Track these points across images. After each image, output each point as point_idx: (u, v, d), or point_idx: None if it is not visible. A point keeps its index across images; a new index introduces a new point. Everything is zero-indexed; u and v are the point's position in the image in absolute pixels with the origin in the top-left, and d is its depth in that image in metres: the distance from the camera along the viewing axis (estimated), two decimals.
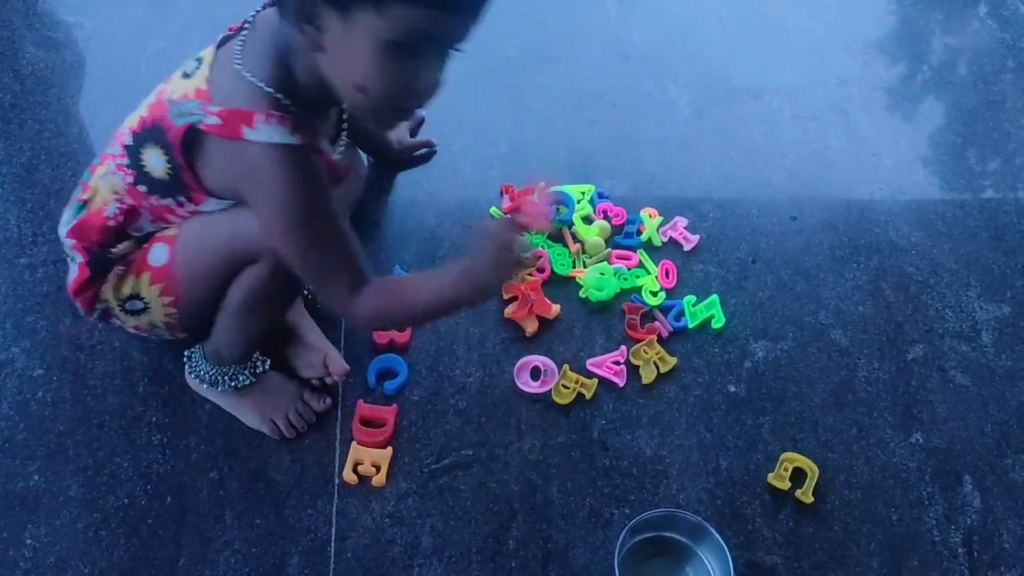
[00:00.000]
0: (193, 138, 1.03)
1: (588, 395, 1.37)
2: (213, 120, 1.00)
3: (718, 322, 1.46)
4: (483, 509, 1.26)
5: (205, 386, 1.28)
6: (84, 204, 1.17)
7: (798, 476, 1.31)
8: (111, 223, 1.16)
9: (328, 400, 1.33)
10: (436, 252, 1.52)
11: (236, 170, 1.03)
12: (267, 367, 1.30)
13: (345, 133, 1.20)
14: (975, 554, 1.28)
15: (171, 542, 1.21)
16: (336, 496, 1.26)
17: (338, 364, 1.34)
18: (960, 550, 1.27)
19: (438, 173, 1.64)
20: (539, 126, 1.73)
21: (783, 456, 1.32)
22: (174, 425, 1.30)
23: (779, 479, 1.30)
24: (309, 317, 1.39)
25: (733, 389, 1.40)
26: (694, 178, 1.67)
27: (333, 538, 1.22)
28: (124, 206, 1.15)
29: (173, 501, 1.24)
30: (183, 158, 1.05)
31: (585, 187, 1.62)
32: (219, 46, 1.06)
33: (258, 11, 1.05)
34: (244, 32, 1.04)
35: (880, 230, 1.62)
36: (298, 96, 1.01)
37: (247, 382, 1.27)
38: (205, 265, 1.15)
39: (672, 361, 1.41)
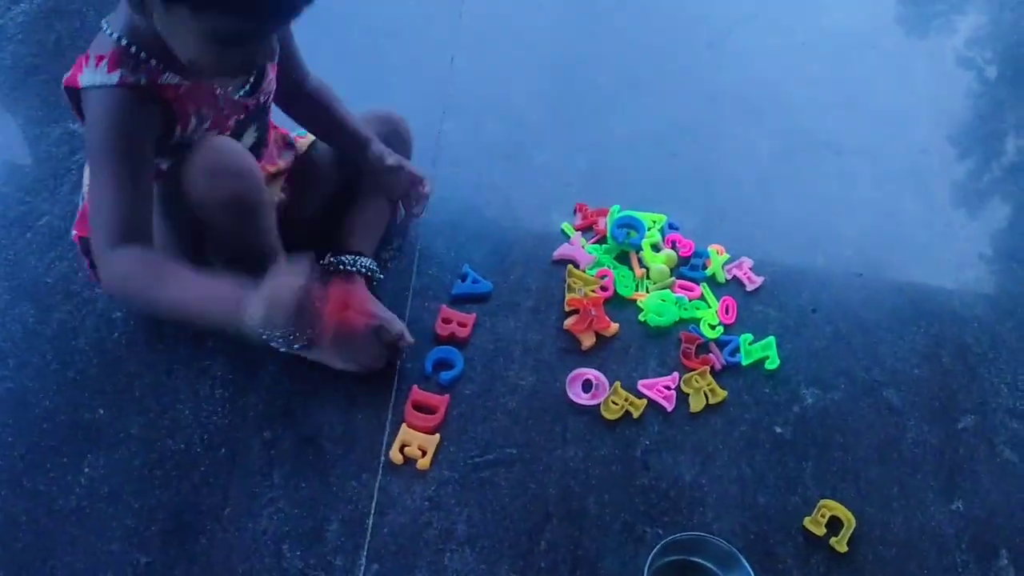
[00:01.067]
0: (75, 100, 1.10)
1: (636, 414, 1.39)
2: (68, 73, 1.08)
3: (772, 363, 1.48)
4: (520, 507, 1.29)
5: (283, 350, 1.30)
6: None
7: (834, 525, 1.31)
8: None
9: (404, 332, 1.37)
10: (506, 255, 1.57)
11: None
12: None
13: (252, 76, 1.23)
14: None
15: (220, 491, 1.25)
16: (380, 473, 1.29)
17: (404, 339, 1.37)
18: None
19: (517, 182, 1.69)
20: (620, 151, 1.78)
21: (822, 502, 1.32)
22: (237, 382, 1.36)
23: (815, 524, 1.30)
24: (374, 298, 1.42)
25: (779, 430, 1.42)
26: (765, 222, 1.70)
27: (372, 512, 1.26)
28: None
29: (226, 453, 1.28)
30: (81, 120, 1.11)
31: (657, 216, 1.65)
32: None
33: None
34: None
35: (945, 298, 1.63)
36: (149, 42, 1.06)
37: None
38: None
39: (722, 394, 1.43)
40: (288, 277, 1.00)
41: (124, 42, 1.07)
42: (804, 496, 1.34)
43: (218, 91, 1.18)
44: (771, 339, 1.51)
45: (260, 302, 0.99)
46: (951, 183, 1.83)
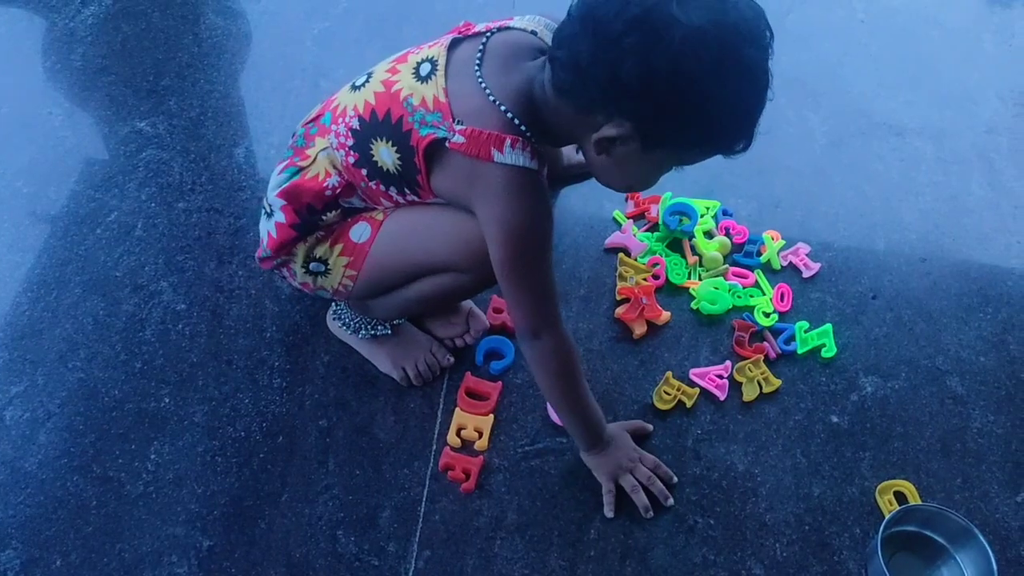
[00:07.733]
0: (435, 148, 1.09)
1: (688, 404, 1.38)
2: (459, 139, 1.05)
3: (829, 351, 1.45)
4: (569, 496, 1.30)
5: (347, 331, 1.37)
6: (299, 170, 1.22)
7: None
8: (327, 192, 1.20)
9: (451, 359, 1.40)
10: (557, 244, 1.55)
11: (474, 186, 1.08)
12: (403, 319, 1.37)
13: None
14: None
15: (277, 478, 1.29)
16: (432, 460, 1.32)
17: (480, 320, 1.42)
18: None
19: None
20: None
21: (886, 483, 1.31)
22: (294, 372, 1.39)
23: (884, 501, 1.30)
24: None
25: (836, 420, 1.39)
26: (823, 207, 1.66)
27: (424, 499, 1.28)
28: (343, 181, 1.20)
29: (284, 441, 1.32)
30: (423, 164, 1.11)
31: (710, 202, 1.63)
32: (450, 48, 1.11)
33: (493, 32, 1.11)
34: (480, 44, 1.09)
35: (1013, 283, 1.57)
36: (538, 129, 1.07)
37: (386, 332, 1.35)
38: (397, 261, 1.22)
39: (776, 383, 1.41)
40: (624, 458, 1.29)
41: (516, 122, 1.06)
42: (861, 487, 1.32)
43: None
44: (828, 326, 1.48)
45: (600, 473, 1.29)
46: (1020, 165, 1.76)
